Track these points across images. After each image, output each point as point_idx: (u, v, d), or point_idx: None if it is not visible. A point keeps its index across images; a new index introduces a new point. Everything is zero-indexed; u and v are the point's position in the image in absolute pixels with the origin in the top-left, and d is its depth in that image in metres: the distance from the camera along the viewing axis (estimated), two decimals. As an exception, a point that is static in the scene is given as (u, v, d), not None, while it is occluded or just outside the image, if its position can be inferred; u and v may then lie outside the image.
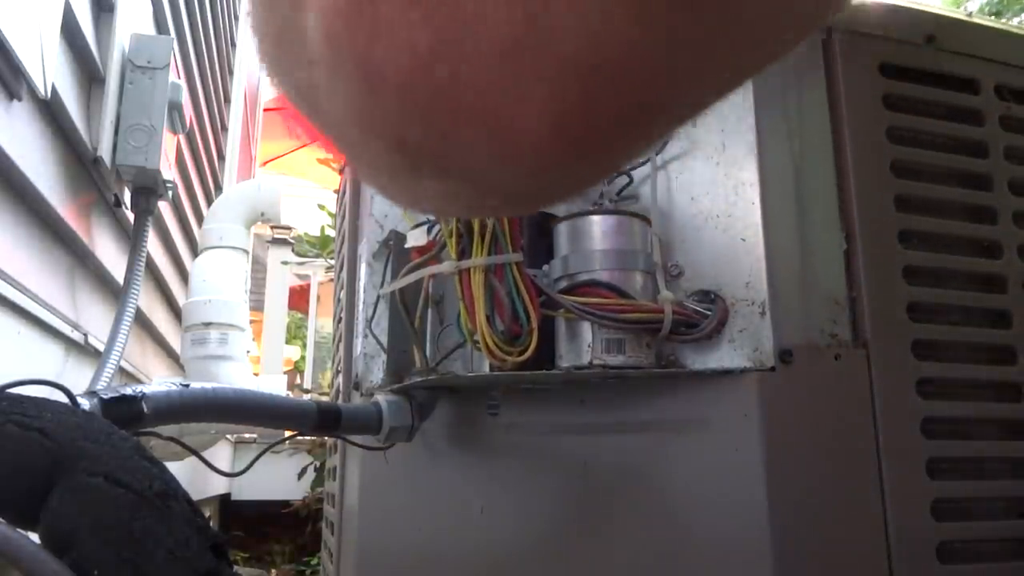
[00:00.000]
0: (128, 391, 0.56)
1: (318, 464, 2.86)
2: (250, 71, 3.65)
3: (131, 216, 1.42)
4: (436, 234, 0.74)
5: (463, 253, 0.67)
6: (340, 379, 1.08)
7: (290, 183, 4.64)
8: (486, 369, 0.70)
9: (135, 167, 1.28)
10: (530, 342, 0.64)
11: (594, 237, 0.68)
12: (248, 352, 1.89)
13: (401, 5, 0.18)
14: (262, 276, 4.21)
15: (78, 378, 1.28)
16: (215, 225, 1.92)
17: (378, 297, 0.80)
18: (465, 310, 0.66)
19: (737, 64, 0.22)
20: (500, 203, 0.27)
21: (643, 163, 0.73)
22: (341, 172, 1.28)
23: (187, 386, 0.61)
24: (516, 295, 0.64)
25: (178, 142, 1.58)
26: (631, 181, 0.74)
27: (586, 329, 0.65)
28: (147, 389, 0.57)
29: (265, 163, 5.50)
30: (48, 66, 0.96)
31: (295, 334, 5.55)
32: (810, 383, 0.66)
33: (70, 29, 1.09)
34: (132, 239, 1.39)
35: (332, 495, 1.15)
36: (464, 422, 0.81)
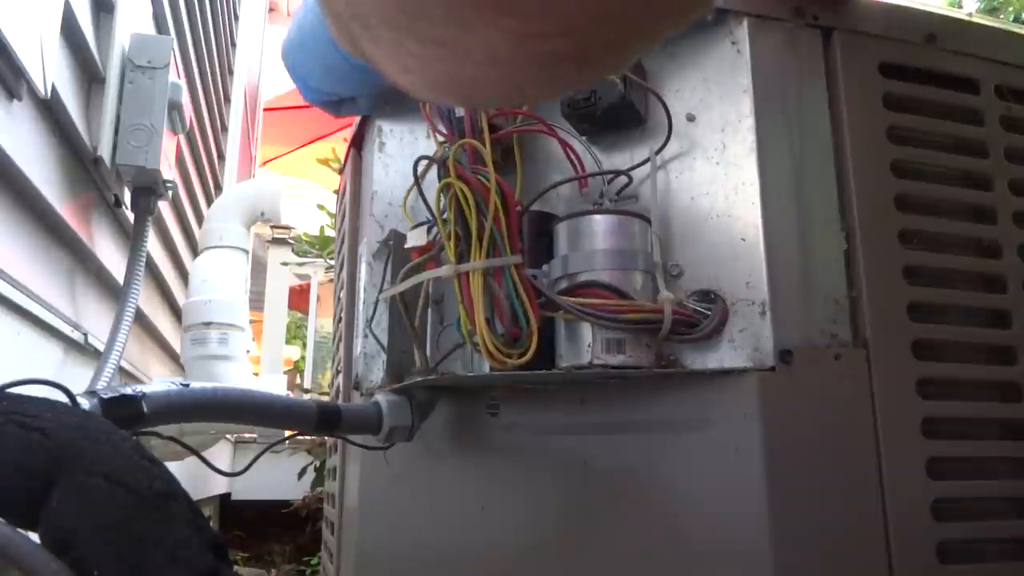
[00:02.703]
0: (128, 391, 0.56)
1: (318, 464, 2.86)
2: (250, 71, 3.65)
3: (131, 216, 1.42)
4: (436, 234, 0.74)
5: (462, 256, 0.67)
6: (340, 379, 1.08)
7: (290, 183, 4.64)
8: (486, 369, 0.70)
9: (135, 167, 1.28)
10: (530, 344, 0.64)
11: (594, 237, 0.68)
12: (248, 352, 1.90)
13: None
14: (262, 276, 4.21)
15: (78, 378, 1.28)
16: (215, 225, 1.92)
17: (378, 297, 0.80)
18: (464, 313, 0.66)
19: None
20: (501, 42, 0.24)
21: (643, 163, 0.73)
22: (341, 172, 1.28)
23: (187, 386, 0.61)
24: (515, 298, 0.64)
25: (178, 142, 1.58)
26: (631, 181, 0.74)
27: (586, 329, 0.65)
28: (147, 389, 0.57)
29: (265, 163, 5.50)
30: (48, 66, 0.96)
31: (295, 334, 5.55)
32: (810, 383, 0.66)
33: (70, 29, 1.09)
34: (132, 239, 1.39)
35: (332, 495, 1.15)
36: (464, 422, 0.81)
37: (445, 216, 0.70)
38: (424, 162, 0.75)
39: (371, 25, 0.26)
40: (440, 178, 0.70)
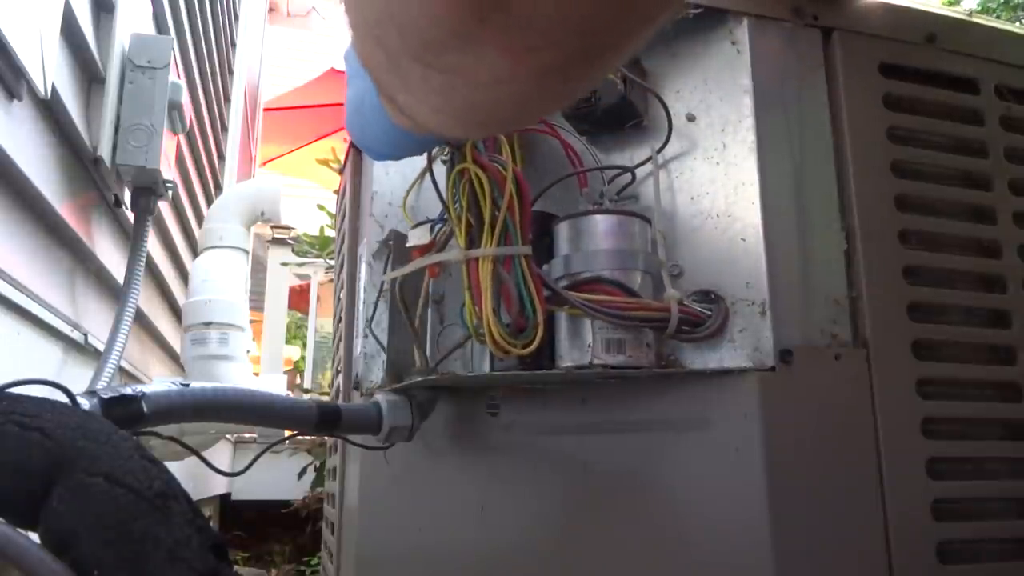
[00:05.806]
0: (128, 391, 0.56)
1: (318, 464, 2.86)
2: (250, 71, 3.65)
3: (131, 216, 1.42)
4: (437, 233, 0.74)
5: (472, 244, 0.67)
6: (340, 379, 1.08)
7: (290, 183, 4.64)
8: (486, 369, 0.70)
9: (135, 167, 1.28)
10: (535, 335, 0.63)
11: (594, 236, 0.68)
12: (248, 352, 1.89)
13: None
14: (262, 276, 4.21)
15: (78, 378, 1.28)
16: (215, 225, 1.92)
17: (378, 297, 0.80)
18: (471, 300, 0.65)
19: None
20: (500, 61, 0.29)
21: (644, 163, 0.73)
22: (341, 172, 1.28)
23: (187, 386, 0.61)
24: (524, 288, 0.64)
25: (178, 142, 1.58)
26: (633, 180, 0.74)
27: (586, 329, 0.65)
28: (147, 389, 0.57)
29: (265, 163, 5.50)
30: (48, 66, 0.96)
31: (295, 334, 5.55)
32: (810, 383, 0.66)
33: (70, 29, 1.09)
34: (132, 239, 1.39)
35: (332, 495, 1.15)
36: (464, 422, 0.81)
37: (457, 203, 0.69)
38: (439, 146, 0.74)
39: (401, 65, 0.31)
40: (453, 165, 0.69)
